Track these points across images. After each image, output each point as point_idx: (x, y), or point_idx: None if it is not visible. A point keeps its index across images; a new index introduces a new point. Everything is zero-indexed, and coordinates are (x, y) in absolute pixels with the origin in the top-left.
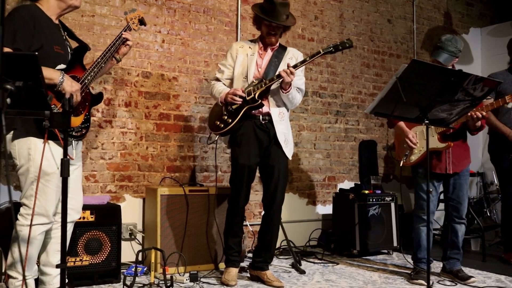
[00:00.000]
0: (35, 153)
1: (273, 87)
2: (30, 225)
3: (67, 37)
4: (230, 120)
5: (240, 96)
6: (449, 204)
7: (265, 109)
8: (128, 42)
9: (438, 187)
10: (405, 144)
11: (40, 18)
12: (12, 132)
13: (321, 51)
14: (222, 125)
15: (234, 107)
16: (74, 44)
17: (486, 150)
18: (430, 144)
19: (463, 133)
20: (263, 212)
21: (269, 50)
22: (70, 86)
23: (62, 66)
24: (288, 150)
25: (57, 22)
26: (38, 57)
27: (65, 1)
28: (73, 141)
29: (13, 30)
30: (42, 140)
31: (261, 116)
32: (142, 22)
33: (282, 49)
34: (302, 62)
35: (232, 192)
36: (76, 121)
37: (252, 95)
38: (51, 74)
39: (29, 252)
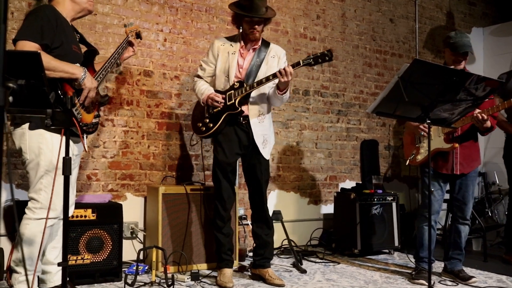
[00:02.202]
0: (46, 147)
1: (253, 93)
2: (46, 218)
3: (79, 41)
4: (211, 125)
5: (221, 101)
6: (454, 204)
7: (244, 111)
8: (134, 48)
9: (444, 188)
10: (419, 133)
11: (61, 18)
12: (27, 124)
13: (300, 62)
14: (204, 129)
15: (215, 110)
16: (82, 48)
17: (488, 150)
18: (436, 144)
19: (473, 134)
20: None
21: (251, 50)
22: (91, 83)
23: (77, 65)
24: (267, 151)
25: (71, 24)
26: (55, 53)
27: (80, 4)
28: (85, 136)
29: (40, 26)
30: (53, 134)
31: (241, 118)
32: (138, 35)
33: (265, 46)
34: (296, 64)
35: (215, 189)
36: (89, 118)
37: (233, 101)
38: (74, 69)
39: (36, 247)
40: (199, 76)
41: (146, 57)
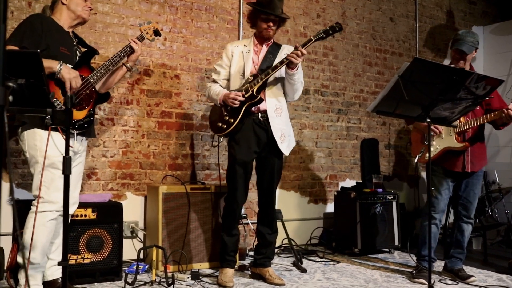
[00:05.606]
0: (41, 144)
1: (270, 79)
2: (36, 212)
3: (78, 45)
4: (232, 120)
5: (241, 99)
6: (459, 202)
7: (262, 105)
8: (134, 49)
9: (451, 188)
10: (432, 133)
11: (49, 23)
12: (24, 124)
13: (312, 38)
14: (225, 126)
15: (234, 106)
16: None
17: (489, 149)
18: (446, 143)
19: (481, 135)
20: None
21: (264, 46)
22: (68, 73)
23: (68, 66)
24: (285, 146)
25: (69, 30)
26: (43, 55)
27: (75, 12)
28: (75, 133)
29: (21, 32)
30: (47, 132)
31: (259, 114)
32: (157, 33)
33: (277, 46)
34: (308, 41)
35: (229, 189)
36: (79, 114)
37: (250, 92)
38: (50, 63)
39: (39, 240)
40: (214, 81)
41: (146, 56)
